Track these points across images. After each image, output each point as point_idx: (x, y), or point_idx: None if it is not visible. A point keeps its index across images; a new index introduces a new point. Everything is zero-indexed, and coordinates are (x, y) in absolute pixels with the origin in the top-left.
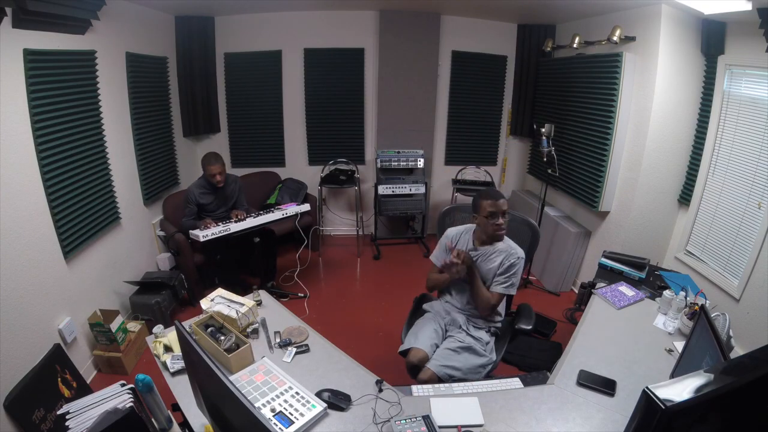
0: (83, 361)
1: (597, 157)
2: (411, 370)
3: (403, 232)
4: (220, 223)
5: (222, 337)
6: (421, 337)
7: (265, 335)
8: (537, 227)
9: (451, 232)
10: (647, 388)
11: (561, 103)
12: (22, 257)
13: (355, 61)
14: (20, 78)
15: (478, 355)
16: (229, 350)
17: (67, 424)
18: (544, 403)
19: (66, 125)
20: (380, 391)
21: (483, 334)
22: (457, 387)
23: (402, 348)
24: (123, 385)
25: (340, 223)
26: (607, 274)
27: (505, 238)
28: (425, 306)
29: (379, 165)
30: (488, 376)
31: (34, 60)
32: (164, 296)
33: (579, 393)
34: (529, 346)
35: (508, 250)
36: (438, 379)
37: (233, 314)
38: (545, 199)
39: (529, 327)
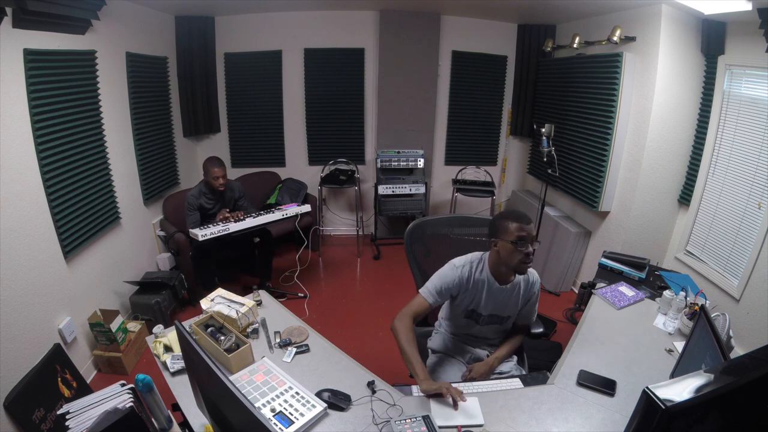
0: (83, 361)
1: (597, 157)
2: None
3: (403, 232)
4: (219, 223)
5: (222, 337)
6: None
7: (265, 335)
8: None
9: (459, 262)
10: (647, 388)
11: (561, 103)
12: (22, 257)
13: (355, 61)
14: (20, 78)
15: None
16: (229, 350)
17: (67, 424)
18: (544, 403)
19: (66, 125)
20: (373, 392)
21: (508, 364)
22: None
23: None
24: (123, 385)
25: (340, 223)
26: (607, 274)
27: None
28: (430, 345)
29: (379, 165)
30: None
31: (34, 60)
32: (164, 296)
33: (579, 393)
34: (529, 346)
35: (528, 277)
36: None
37: (233, 314)
38: (545, 199)
39: (541, 329)
